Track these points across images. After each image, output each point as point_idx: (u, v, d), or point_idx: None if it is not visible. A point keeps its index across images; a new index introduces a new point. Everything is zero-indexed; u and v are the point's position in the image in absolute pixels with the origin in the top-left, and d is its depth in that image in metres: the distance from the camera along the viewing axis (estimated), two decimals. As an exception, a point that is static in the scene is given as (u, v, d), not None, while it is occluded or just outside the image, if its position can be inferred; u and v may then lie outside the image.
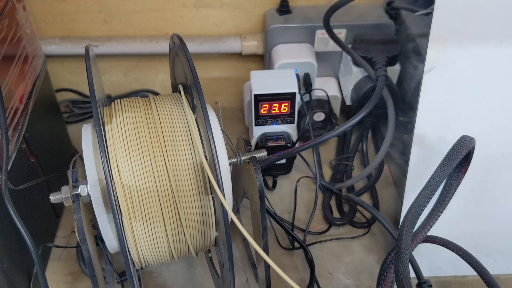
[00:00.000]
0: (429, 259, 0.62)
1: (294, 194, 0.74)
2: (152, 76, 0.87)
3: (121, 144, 0.44)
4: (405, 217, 0.45)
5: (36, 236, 0.50)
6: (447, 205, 0.53)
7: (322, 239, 0.68)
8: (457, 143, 0.48)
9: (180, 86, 0.50)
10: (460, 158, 0.47)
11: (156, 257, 0.48)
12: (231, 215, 0.39)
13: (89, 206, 0.49)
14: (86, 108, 0.86)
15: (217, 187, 0.40)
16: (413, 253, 0.58)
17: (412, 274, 0.56)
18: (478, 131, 0.52)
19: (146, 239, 0.45)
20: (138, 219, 0.44)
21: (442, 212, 0.53)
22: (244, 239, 0.63)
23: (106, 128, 0.45)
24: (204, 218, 0.47)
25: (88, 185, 0.43)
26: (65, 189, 0.45)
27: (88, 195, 0.44)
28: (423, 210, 0.46)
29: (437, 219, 0.52)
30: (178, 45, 0.47)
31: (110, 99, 0.86)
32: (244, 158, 0.49)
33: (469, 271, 0.56)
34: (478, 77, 0.52)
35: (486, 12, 0.49)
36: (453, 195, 0.53)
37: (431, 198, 0.46)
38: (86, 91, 0.89)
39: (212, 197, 0.46)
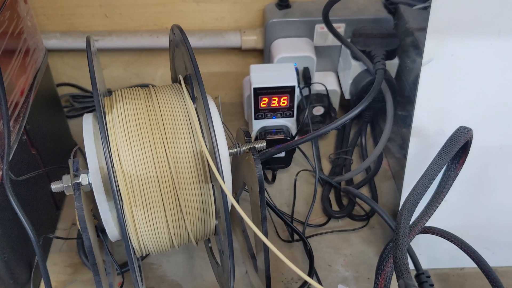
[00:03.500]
0: (428, 251, 0.62)
1: (294, 187, 0.74)
2: (152, 70, 0.88)
3: (122, 133, 0.44)
4: (403, 205, 0.45)
5: (36, 227, 0.51)
6: (445, 196, 0.53)
7: (321, 232, 0.68)
8: (454, 133, 0.49)
9: (180, 76, 0.50)
10: (458, 147, 0.48)
11: (157, 245, 0.48)
12: (231, 199, 0.39)
13: (90, 196, 0.50)
14: (87, 103, 0.87)
15: (217, 172, 0.40)
16: (412, 244, 0.58)
17: (411, 266, 0.56)
18: (476, 123, 0.52)
19: (147, 227, 0.46)
20: (139, 207, 0.44)
21: (440, 203, 0.53)
22: (244, 231, 0.63)
23: (107, 117, 0.46)
24: (204, 206, 0.47)
25: (89, 173, 0.44)
26: (66, 178, 0.45)
27: (89, 184, 0.45)
28: (421, 198, 0.46)
29: (435, 210, 0.53)
30: (178, 36, 0.48)
31: (109, 94, 0.86)
32: (243, 148, 0.49)
33: (468, 263, 0.56)
34: (476, 69, 0.53)
35: (484, 4, 0.49)
36: (451, 186, 0.53)
37: (429, 187, 0.46)
38: (87, 86, 0.89)
39: (212, 185, 0.47)
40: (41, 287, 0.61)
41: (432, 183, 0.47)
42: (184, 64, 0.48)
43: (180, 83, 0.50)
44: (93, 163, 0.44)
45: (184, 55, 0.46)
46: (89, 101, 0.87)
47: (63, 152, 0.74)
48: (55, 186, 0.45)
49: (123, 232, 0.40)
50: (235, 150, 0.49)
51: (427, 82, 0.54)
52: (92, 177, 0.44)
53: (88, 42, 0.45)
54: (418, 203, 0.46)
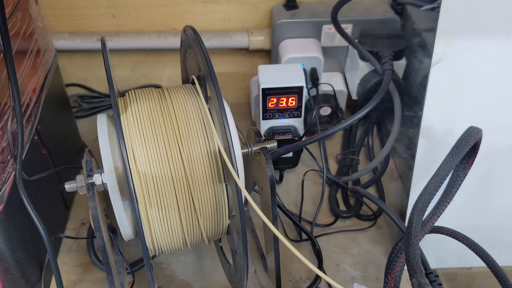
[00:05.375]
0: (435, 251, 0.62)
1: (301, 187, 0.74)
2: (159, 71, 0.88)
3: (137, 133, 0.45)
4: (415, 205, 0.46)
5: (47, 227, 0.51)
6: (454, 196, 0.53)
7: (328, 231, 0.69)
8: (465, 133, 0.49)
9: (194, 77, 0.51)
10: (468, 147, 0.48)
11: (170, 244, 0.48)
12: (247, 196, 0.39)
13: (102, 196, 0.50)
14: (95, 103, 0.87)
15: (233, 170, 0.41)
16: (420, 244, 0.58)
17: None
18: (484, 123, 0.52)
19: (161, 226, 0.46)
20: (153, 206, 0.45)
21: (449, 203, 0.53)
22: (253, 230, 0.63)
23: (121, 117, 0.46)
24: (218, 206, 0.48)
25: (104, 173, 0.44)
26: (80, 178, 0.45)
27: (103, 184, 0.45)
28: (432, 198, 0.46)
29: (444, 210, 0.53)
30: (191, 37, 0.48)
31: (119, 94, 0.87)
32: (255, 148, 0.50)
33: (475, 263, 0.56)
34: (484, 69, 0.53)
35: (493, 5, 0.50)
36: (460, 186, 0.53)
37: (440, 187, 0.47)
38: (94, 86, 0.89)
39: (226, 185, 0.47)
40: (52, 287, 0.62)
41: (443, 182, 0.47)
42: (198, 64, 0.48)
43: (193, 83, 0.51)
44: (108, 163, 0.44)
45: (198, 56, 0.47)
46: (97, 102, 0.87)
47: (72, 152, 0.75)
48: (69, 186, 0.46)
49: (140, 231, 0.40)
50: (247, 150, 0.49)
51: (436, 82, 0.54)
52: (107, 177, 0.44)
53: (103, 43, 0.45)
54: (429, 202, 0.46)
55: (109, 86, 0.41)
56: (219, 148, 0.44)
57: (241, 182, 0.46)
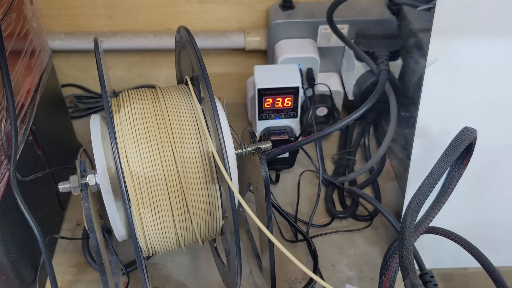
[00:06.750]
0: (431, 251, 0.62)
1: (297, 188, 0.74)
2: (156, 71, 0.88)
3: (130, 133, 0.45)
4: (408, 205, 0.45)
5: (42, 228, 0.51)
6: (449, 196, 0.53)
7: (324, 232, 0.69)
8: (459, 134, 0.49)
9: (187, 77, 0.51)
10: (462, 148, 0.48)
11: (164, 245, 0.48)
12: (239, 198, 0.39)
13: (96, 196, 0.50)
14: (91, 103, 0.87)
15: (225, 172, 0.40)
16: (415, 244, 0.58)
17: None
18: (480, 123, 0.52)
19: (154, 227, 0.46)
20: (146, 207, 0.44)
21: (444, 204, 0.53)
22: (248, 231, 0.63)
23: (114, 117, 0.46)
24: (211, 206, 0.48)
25: (97, 173, 0.44)
26: (74, 178, 0.45)
27: (96, 184, 0.45)
28: (426, 198, 0.46)
29: (439, 210, 0.53)
30: (185, 37, 0.48)
31: (114, 94, 0.87)
32: (249, 149, 0.50)
33: (471, 263, 0.56)
34: (479, 69, 0.53)
35: (488, 5, 0.50)
36: (455, 186, 0.53)
37: (434, 187, 0.47)
38: (91, 87, 0.89)
39: (219, 185, 0.47)
40: (47, 287, 0.62)
41: (437, 183, 0.47)
42: (191, 65, 0.48)
43: (186, 84, 0.51)
44: (101, 163, 0.44)
45: (191, 56, 0.47)
46: (93, 102, 0.87)
47: (68, 153, 0.75)
48: (62, 187, 0.45)
49: (132, 232, 0.40)
50: (241, 150, 0.49)
51: (431, 82, 0.54)
52: (100, 178, 0.44)
53: (96, 43, 0.45)
54: (423, 203, 0.46)
55: (101, 87, 0.41)
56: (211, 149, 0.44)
57: (234, 183, 0.46)
